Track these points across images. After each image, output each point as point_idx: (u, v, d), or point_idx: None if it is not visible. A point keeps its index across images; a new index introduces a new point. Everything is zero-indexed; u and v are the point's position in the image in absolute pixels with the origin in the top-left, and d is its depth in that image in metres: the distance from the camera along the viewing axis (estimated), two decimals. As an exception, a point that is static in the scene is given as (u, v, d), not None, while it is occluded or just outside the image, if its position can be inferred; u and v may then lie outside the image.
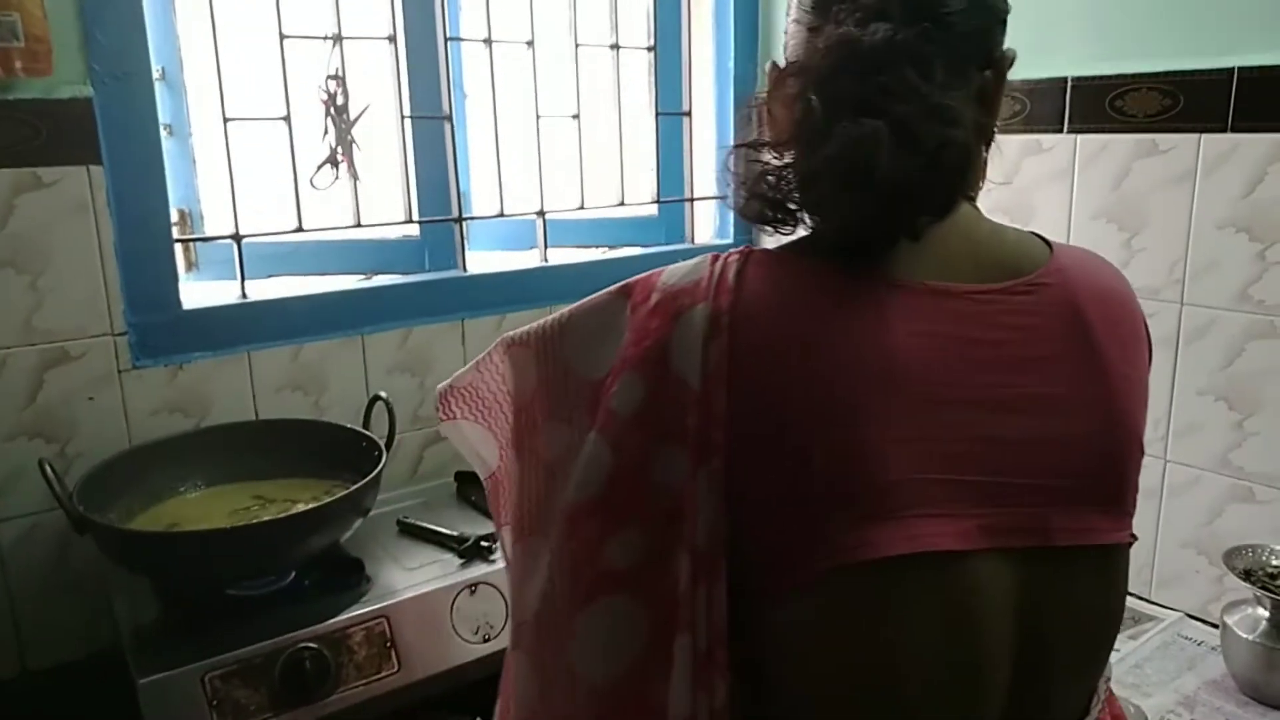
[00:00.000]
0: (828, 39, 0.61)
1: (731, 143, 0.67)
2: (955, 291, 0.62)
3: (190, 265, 1.55)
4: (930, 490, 0.57)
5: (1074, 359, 0.63)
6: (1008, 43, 0.68)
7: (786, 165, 0.63)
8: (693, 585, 0.58)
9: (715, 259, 0.63)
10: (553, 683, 0.63)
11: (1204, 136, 1.33)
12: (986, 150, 0.69)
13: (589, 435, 0.62)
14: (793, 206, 0.63)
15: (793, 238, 0.65)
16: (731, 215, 2.00)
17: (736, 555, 0.59)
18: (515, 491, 0.69)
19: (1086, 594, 0.63)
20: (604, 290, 0.66)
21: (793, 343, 0.59)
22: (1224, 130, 1.31)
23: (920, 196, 0.59)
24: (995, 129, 0.68)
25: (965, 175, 0.61)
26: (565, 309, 0.67)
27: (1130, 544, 0.65)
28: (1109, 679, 0.72)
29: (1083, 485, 0.62)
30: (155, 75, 1.34)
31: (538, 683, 0.64)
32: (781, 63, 0.68)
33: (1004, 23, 0.67)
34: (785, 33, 0.69)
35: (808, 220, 0.64)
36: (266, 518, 1.21)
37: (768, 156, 0.65)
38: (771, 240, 0.67)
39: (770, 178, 0.63)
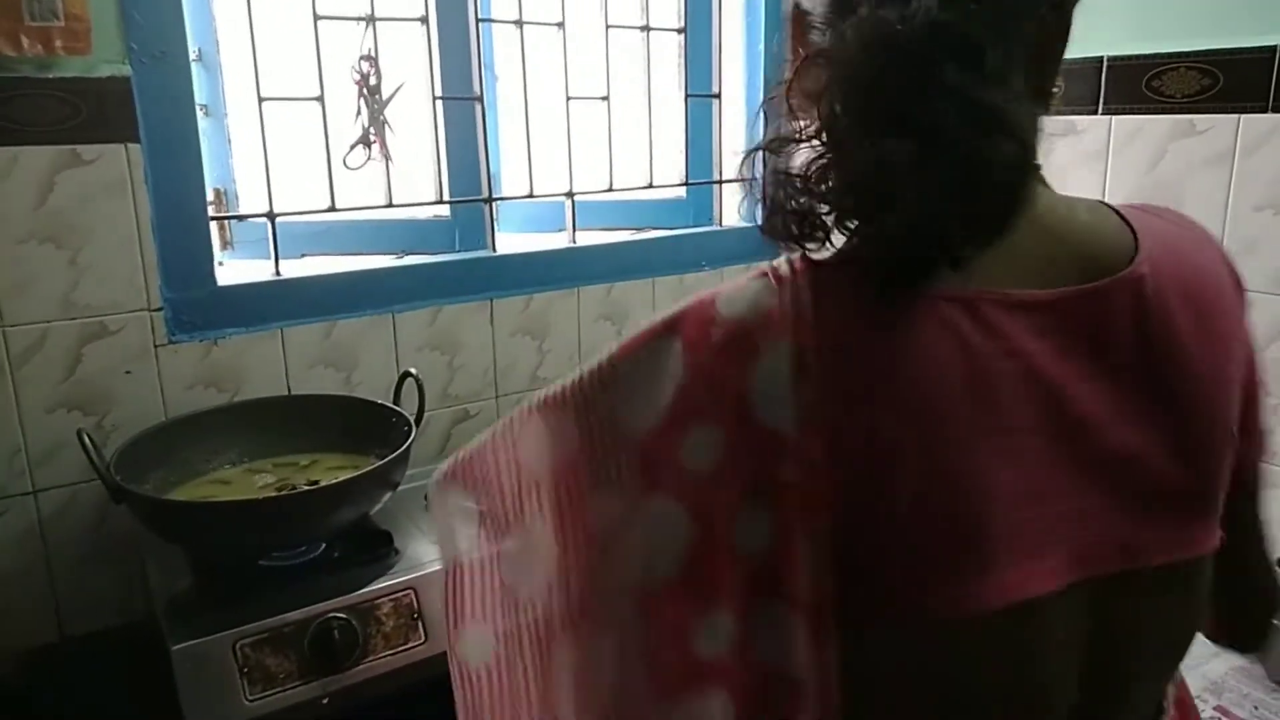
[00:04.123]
0: (859, 23, 0.51)
1: (754, 142, 0.58)
2: (1034, 302, 0.54)
3: (226, 243, 1.58)
4: (1022, 529, 0.52)
5: (1168, 361, 0.56)
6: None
7: (814, 168, 0.54)
8: (811, 655, 0.52)
9: (775, 279, 0.53)
10: None
11: (1243, 117, 1.31)
12: (1046, 109, 0.59)
13: (651, 501, 0.52)
14: (823, 211, 0.54)
15: (839, 247, 0.56)
16: (761, 198, 1.99)
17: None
18: (548, 578, 0.60)
19: (1170, 607, 0.59)
20: (644, 328, 0.55)
21: (883, 377, 0.51)
22: (1264, 110, 1.29)
23: (960, 224, 0.50)
24: (1055, 90, 0.59)
25: (1019, 194, 0.51)
26: (602, 356, 0.57)
27: (1218, 549, 0.59)
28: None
29: (1178, 498, 0.57)
30: (192, 55, 1.36)
31: None
32: (806, 6, 0.58)
33: None
34: None
35: (835, 237, 0.55)
36: (298, 490, 1.23)
37: (798, 156, 0.56)
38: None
39: (795, 185, 0.55)
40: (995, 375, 0.53)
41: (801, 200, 0.54)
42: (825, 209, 0.54)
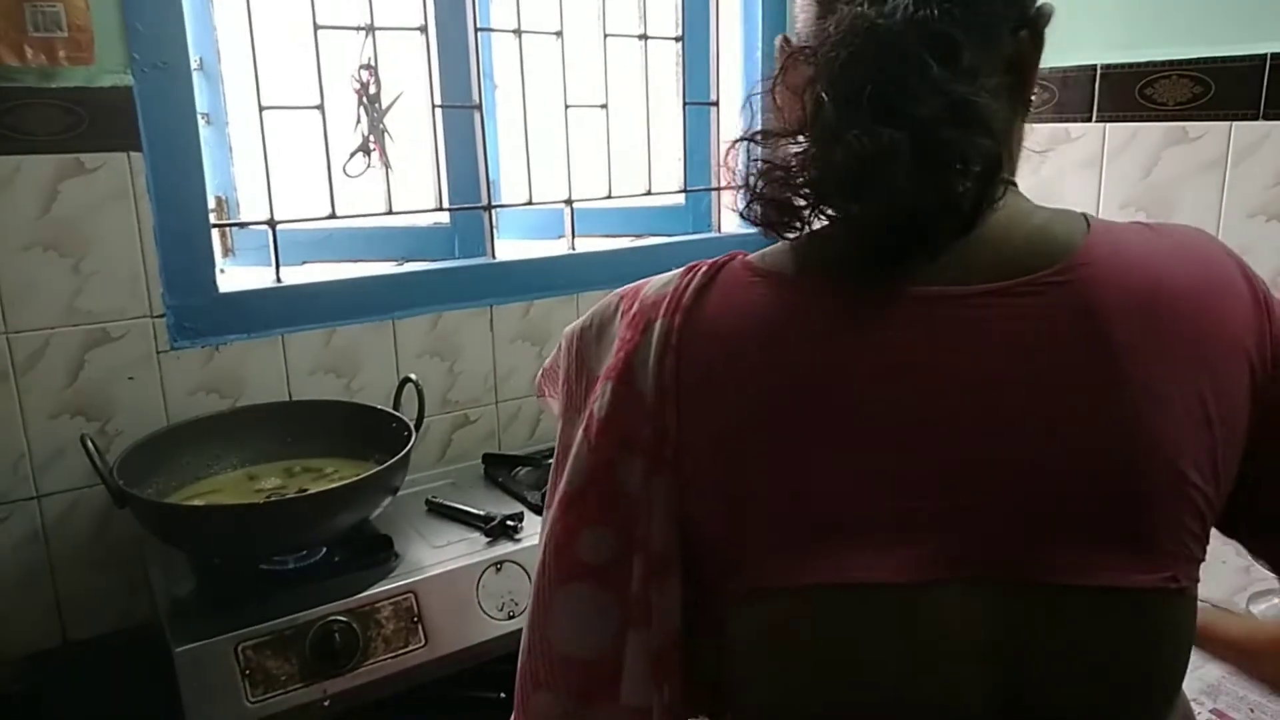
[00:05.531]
0: (840, 20, 0.54)
1: (736, 135, 0.61)
2: (953, 295, 0.55)
3: (227, 251, 1.59)
4: (875, 519, 0.54)
5: (1080, 370, 0.54)
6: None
7: (795, 160, 0.56)
8: (644, 586, 0.61)
9: (690, 270, 0.62)
10: (535, 646, 0.66)
11: (1235, 124, 1.32)
12: (1023, 121, 0.62)
13: (579, 433, 0.64)
14: (800, 204, 0.57)
15: (790, 239, 0.60)
16: (758, 205, 2.00)
17: (694, 563, 0.61)
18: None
19: (1101, 641, 0.55)
20: (612, 295, 0.67)
21: (735, 363, 0.58)
22: (1256, 118, 1.30)
23: (942, 214, 0.53)
24: (1032, 98, 0.62)
25: (993, 186, 0.54)
26: (595, 307, 0.69)
27: (1176, 590, 0.55)
28: None
29: (1085, 517, 0.54)
30: (193, 65, 1.37)
31: (525, 641, 0.67)
32: (793, 39, 0.61)
33: None
34: (795, 4, 0.62)
35: (815, 223, 0.58)
36: (299, 494, 1.24)
37: (779, 149, 0.58)
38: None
39: (777, 174, 0.57)
40: (863, 370, 0.55)
41: (781, 190, 0.57)
42: (803, 201, 0.56)
